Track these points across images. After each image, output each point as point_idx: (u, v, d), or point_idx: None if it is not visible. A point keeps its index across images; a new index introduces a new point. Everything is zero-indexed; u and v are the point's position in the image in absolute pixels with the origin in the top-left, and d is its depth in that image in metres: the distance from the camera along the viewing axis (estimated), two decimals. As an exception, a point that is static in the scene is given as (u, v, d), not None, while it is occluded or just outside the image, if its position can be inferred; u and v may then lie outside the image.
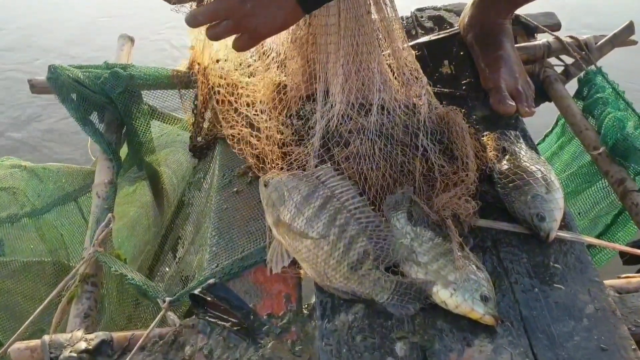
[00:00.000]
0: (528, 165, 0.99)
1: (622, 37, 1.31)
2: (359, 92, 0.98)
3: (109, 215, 1.04)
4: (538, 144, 1.49)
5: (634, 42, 1.34)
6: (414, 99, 0.99)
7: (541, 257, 0.90)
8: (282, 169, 0.96)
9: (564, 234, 0.92)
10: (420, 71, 1.04)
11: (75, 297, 0.97)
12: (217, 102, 1.19)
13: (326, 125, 0.96)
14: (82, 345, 0.84)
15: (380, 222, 0.85)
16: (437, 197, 0.91)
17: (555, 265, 0.89)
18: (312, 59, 1.03)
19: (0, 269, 1.25)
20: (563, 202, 0.94)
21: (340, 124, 0.96)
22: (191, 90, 1.32)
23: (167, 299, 0.88)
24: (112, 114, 1.29)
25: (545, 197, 0.93)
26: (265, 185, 0.95)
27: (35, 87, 1.34)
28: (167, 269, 1.31)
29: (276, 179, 0.93)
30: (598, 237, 1.23)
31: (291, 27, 1.04)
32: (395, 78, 1.01)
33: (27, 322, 0.90)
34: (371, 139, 0.92)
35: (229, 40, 0.89)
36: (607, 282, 0.89)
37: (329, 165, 0.91)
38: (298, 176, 0.92)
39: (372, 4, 0.97)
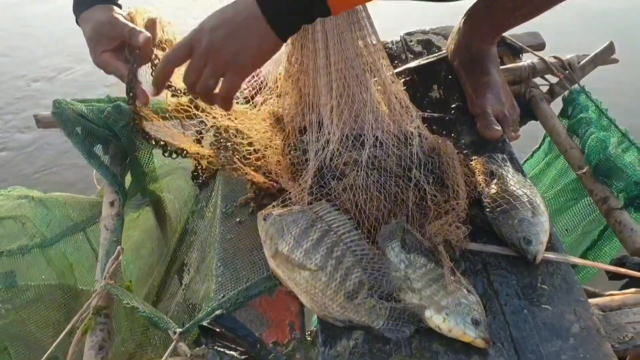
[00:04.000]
0: (515, 189, 1.04)
1: (603, 57, 1.36)
2: (352, 125, 1.04)
3: (118, 248, 1.09)
4: (526, 160, 1.55)
5: (616, 61, 1.39)
6: (406, 130, 1.04)
7: (529, 279, 0.95)
8: (279, 204, 1.01)
9: (550, 255, 0.97)
10: (410, 103, 1.10)
11: (90, 329, 1.02)
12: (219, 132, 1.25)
13: (322, 159, 1.01)
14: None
15: (374, 254, 0.91)
16: (430, 225, 0.96)
17: (543, 286, 0.94)
18: (306, 93, 1.09)
19: (14, 298, 1.30)
20: (548, 225, 0.99)
21: (335, 157, 1.01)
22: (193, 120, 1.37)
23: (178, 330, 0.93)
24: (116, 147, 1.34)
25: (532, 221, 0.98)
26: (264, 219, 1.00)
27: (41, 122, 1.39)
28: (173, 295, 1.36)
29: (275, 213, 0.99)
30: (586, 251, 1.28)
31: (284, 64, 1.10)
32: (387, 109, 1.06)
33: (44, 357, 0.95)
34: (365, 172, 0.98)
35: None
36: (591, 300, 0.94)
37: (325, 201, 0.96)
38: (296, 211, 0.97)
39: (359, 39, 1.02)
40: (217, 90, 0.94)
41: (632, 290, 0.96)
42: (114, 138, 1.33)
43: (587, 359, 0.84)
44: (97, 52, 1.05)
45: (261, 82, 1.28)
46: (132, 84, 1.07)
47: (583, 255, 1.27)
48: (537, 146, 1.52)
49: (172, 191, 1.53)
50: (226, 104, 0.96)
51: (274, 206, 1.03)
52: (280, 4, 0.84)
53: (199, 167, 1.33)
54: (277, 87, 1.21)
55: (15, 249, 1.38)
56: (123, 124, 1.31)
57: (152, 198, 1.46)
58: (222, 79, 0.92)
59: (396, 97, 1.07)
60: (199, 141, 1.31)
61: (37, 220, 1.42)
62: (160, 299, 1.41)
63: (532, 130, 1.45)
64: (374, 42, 1.04)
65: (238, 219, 1.10)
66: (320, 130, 1.07)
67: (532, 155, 1.54)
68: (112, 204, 1.23)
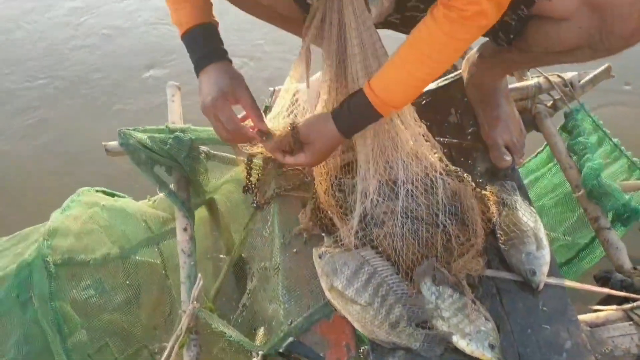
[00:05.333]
0: (523, 222, 1.27)
1: (601, 78, 1.54)
2: (382, 173, 1.26)
3: (199, 275, 1.34)
4: (529, 160, 1.76)
5: (612, 76, 1.57)
6: (432, 175, 1.26)
7: (533, 302, 1.21)
8: (330, 244, 1.26)
9: (550, 280, 1.22)
10: (433, 140, 1.31)
11: (185, 345, 1.30)
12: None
13: (364, 206, 1.24)
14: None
15: (411, 293, 1.16)
16: (455, 262, 1.21)
17: (544, 308, 1.20)
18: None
19: (106, 303, 1.58)
20: (549, 257, 1.23)
21: (375, 205, 1.24)
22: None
23: (260, 352, 1.21)
24: (179, 173, 1.56)
25: (536, 255, 1.22)
26: (319, 257, 1.25)
27: (110, 151, 1.60)
28: (231, 295, 1.63)
29: (328, 254, 1.24)
30: (578, 252, 1.53)
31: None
32: (415, 158, 1.27)
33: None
34: (401, 221, 1.21)
35: None
36: (581, 317, 1.20)
37: (370, 247, 1.21)
38: (346, 253, 1.22)
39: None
40: None
41: (614, 307, 1.22)
42: (177, 165, 1.55)
43: (576, 370, 1.12)
44: (223, 97, 1.21)
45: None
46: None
47: (575, 257, 1.53)
48: (541, 148, 1.73)
49: (224, 194, 1.77)
50: None
51: (325, 243, 1.28)
52: (352, 129, 1.19)
53: (249, 182, 1.55)
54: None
55: (99, 258, 1.63)
56: (185, 154, 1.52)
57: (209, 208, 1.70)
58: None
59: (423, 145, 1.28)
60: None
61: (114, 231, 1.66)
62: (218, 294, 1.68)
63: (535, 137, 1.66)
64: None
65: (295, 250, 1.34)
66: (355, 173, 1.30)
67: (536, 156, 1.75)
68: (185, 229, 1.47)
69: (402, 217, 1.21)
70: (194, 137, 1.54)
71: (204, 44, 1.24)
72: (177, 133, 1.54)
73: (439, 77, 1.59)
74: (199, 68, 1.24)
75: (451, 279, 1.20)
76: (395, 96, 1.12)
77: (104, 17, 3.37)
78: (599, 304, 1.27)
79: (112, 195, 1.81)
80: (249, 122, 1.28)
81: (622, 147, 1.52)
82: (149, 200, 1.85)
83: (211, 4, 1.27)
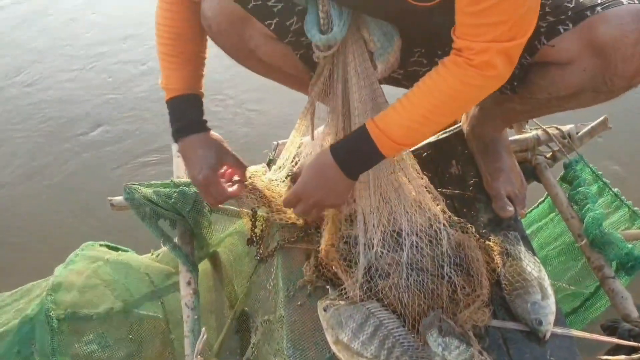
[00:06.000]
0: (527, 272, 1.27)
1: (598, 129, 1.57)
2: (386, 224, 1.27)
3: (203, 329, 1.34)
4: (531, 211, 1.77)
5: (609, 127, 1.60)
6: (436, 227, 1.27)
7: (541, 352, 1.20)
8: (335, 297, 1.26)
9: (556, 330, 1.22)
10: (436, 192, 1.32)
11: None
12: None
13: (369, 258, 1.25)
14: None
15: (418, 345, 1.16)
16: (461, 313, 1.20)
17: (552, 359, 1.19)
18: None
19: (111, 357, 1.56)
20: (554, 306, 1.23)
21: (380, 257, 1.25)
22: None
23: (266, 408, 1.19)
24: (183, 226, 1.57)
25: (541, 304, 1.22)
26: (324, 310, 1.24)
27: (115, 206, 1.62)
28: (235, 349, 1.62)
29: (333, 307, 1.23)
30: (584, 302, 1.53)
31: None
32: (418, 209, 1.29)
33: None
34: (406, 272, 1.21)
35: None
36: (590, 367, 1.19)
37: (375, 300, 1.21)
38: (351, 306, 1.22)
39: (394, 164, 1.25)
40: None
41: (623, 357, 1.21)
42: (181, 218, 1.56)
43: (588, 423, 1.10)
44: (213, 172, 1.31)
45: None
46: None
47: (580, 307, 1.52)
48: (542, 199, 1.75)
49: (227, 247, 1.77)
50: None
51: (329, 296, 1.28)
52: (354, 167, 1.18)
53: (253, 235, 1.56)
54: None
55: (102, 313, 1.62)
56: (190, 208, 1.54)
57: (212, 261, 1.70)
58: None
59: (424, 199, 1.30)
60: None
61: (118, 284, 1.66)
62: (222, 348, 1.66)
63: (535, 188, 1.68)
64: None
65: (299, 302, 1.33)
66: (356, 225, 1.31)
67: (537, 206, 1.77)
68: (189, 283, 1.47)
69: (407, 268, 1.22)
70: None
71: (189, 114, 1.33)
72: (182, 187, 1.56)
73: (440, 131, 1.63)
74: (179, 135, 1.33)
75: (458, 329, 1.19)
76: (397, 132, 1.11)
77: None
78: (607, 354, 1.26)
79: (116, 249, 1.82)
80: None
81: (623, 197, 1.54)
82: (152, 254, 1.86)
83: (202, 75, 1.36)
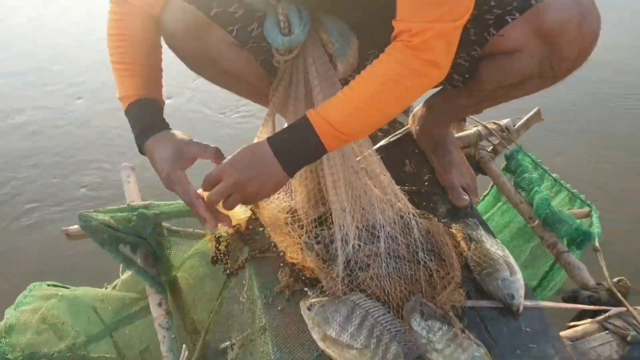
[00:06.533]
0: (492, 252, 1.35)
1: (533, 120, 1.71)
2: (359, 219, 1.31)
3: (184, 346, 1.31)
4: (478, 204, 1.88)
5: (542, 119, 1.74)
6: (406, 218, 1.33)
7: (516, 325, 1.27)
8: (317, 294, 1.27)
9: (527, 303, 1.29)
10: (398, 190, 1.38)
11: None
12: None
13: (347, 253, 1.28)
14: None
15: (405, 329, 1.19)
16: (439, 296, 1.25)
17: (527, 329, 1.26)
18: (314, 191, 1.36)
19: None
20: (522, 280, 1.31)
21: (357, 250, 1.28)
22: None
23: (261, 412, 1.17)
24: (146, 249, 1.53)
25: (511, 279, 1.29)
26: (308, 309, 1.25)
27: (72, 236, 1.56)
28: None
29: (317, 304, 1.25)
30: (541, 280, 1.63)
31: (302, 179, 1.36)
32: (387, 204, 1.34)
33: None
34: (385, 262, 1.25)
35: None
36: (562, 333, 1.27)
37: (359, 291, 1.23)
38: (336, 301, 1.24)
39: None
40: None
41: (589, 320, 1.30)
42: (143, 242, 1.53)
43: (567, 382, 1.17)
44: (173, 169, 1.21)
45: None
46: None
47: (540, 284, 1.62)
48: (487, 192, 1.86)
49: (186, 270, 1.74)
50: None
51: (310, 296, 1.29)
52: (292, 157, 1.14)
53: (218, 252, 1.55)
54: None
55: (64, 349, 1.54)
56: (151, 230, 1.51)
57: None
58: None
59: (393, 192, 1.35)
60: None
61: (78, 320, 1.59)
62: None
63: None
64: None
65: (279, 308, 1.34)
66: (331, 224, 1.34)
67: (482, 199, 1.88)
68: (159, 304, 1.44)
69: (386, 257, 1.26)
70: (158, 211, 1.54)
71: (144, 116, 1.26)
72: (140, 209, 1.53)
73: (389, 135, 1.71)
74: (140, 140, 1.26)
75: (438, 311, 1.24)
76: (339, 118, 1.09)
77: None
78: (573, 321, 1.35)
79: (65, 288, 1.74)
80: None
81: (562, 181, 1.67)
82: (106, 288, 1.80)
83: (161, 85, 1.33)
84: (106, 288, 1.79)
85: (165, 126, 1.27)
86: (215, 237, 1.53)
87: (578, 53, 1.18)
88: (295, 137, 1.13)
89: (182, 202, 1.41)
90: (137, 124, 1.26)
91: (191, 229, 1.68)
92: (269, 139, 1.15)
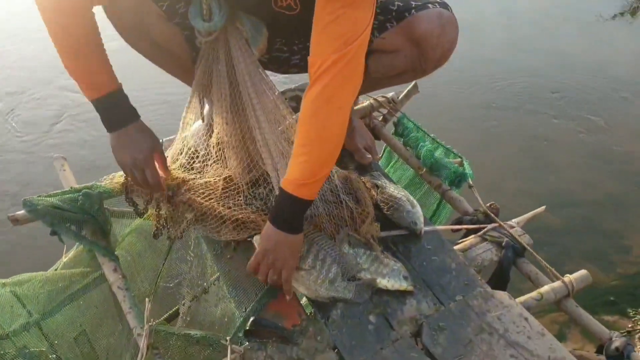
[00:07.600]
0: (395, 194, 1.68)
1: (412, 92, 2.08)
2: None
3: (147, 299, 1.49)
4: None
5: (418, 92, 2.12)
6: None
7: (420, 244, 1.60)
8: None
9: (426, 228, 1.64)
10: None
11: (151, 360, 1.42)
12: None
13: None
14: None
15: (343, 254, 1.48)
16: (360, 228, 1.56)
17: (428, 247, 1.60)
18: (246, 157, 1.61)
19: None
20: (421, 211, 1.65)
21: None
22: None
23: (228, 338, 1.39)
24: (94, 225, 1.67)
25: (413, 211, 1.63)
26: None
27: (20, 221, 1.65)
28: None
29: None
30: (432, 215, 2.00)
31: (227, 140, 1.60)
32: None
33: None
34: (317, 205, 1.54)
35: None
36: (455, 247, 1.63)
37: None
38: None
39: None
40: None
41: (472, 236, 1.67)
42: (90, 219, 1.67)
43: (463, 281, 1.52)
44: (144, 151, 1.49)
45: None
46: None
47: (431, 218, 1.99)
48: (380, 154, 2.20)
49: (124, 248, 1.89)
50: (287, 285, 1.44)
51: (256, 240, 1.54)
52: (286, 222, 1.39)
53: (159, 221, 1.73)
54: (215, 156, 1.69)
55: (18, 328, 1.63)
56: (97, 207, 1.66)
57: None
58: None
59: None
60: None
61: (26, 301, 1.68)
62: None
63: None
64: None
65: (228, 256, 1.57)
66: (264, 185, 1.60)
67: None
68: (115, 270, 1.59)
69: (316, 200, 1.54)
70: (101, 190, 1.69)
71: (123, 106, 1.50)
72: (85, 190, 1.67)
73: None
74: (118, 125, 1.49)
75: (362, 240, 1.54)
76: (302, 173, 1.32)
77: None
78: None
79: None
80: None
81: (438, 140, 2.05)
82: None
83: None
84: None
85: (138, 116, 1.53)
86: (157, 209, 1.71)
87: (440, 55, 1.53)
88: (286, 209, 1.37)
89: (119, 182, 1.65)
90: (113, 112, 1.49)
91: (126, 209, 1.84)
92: (272, 223, 1.39)
